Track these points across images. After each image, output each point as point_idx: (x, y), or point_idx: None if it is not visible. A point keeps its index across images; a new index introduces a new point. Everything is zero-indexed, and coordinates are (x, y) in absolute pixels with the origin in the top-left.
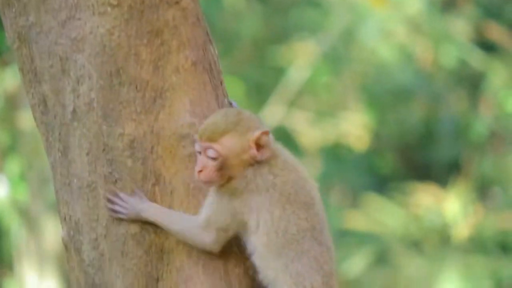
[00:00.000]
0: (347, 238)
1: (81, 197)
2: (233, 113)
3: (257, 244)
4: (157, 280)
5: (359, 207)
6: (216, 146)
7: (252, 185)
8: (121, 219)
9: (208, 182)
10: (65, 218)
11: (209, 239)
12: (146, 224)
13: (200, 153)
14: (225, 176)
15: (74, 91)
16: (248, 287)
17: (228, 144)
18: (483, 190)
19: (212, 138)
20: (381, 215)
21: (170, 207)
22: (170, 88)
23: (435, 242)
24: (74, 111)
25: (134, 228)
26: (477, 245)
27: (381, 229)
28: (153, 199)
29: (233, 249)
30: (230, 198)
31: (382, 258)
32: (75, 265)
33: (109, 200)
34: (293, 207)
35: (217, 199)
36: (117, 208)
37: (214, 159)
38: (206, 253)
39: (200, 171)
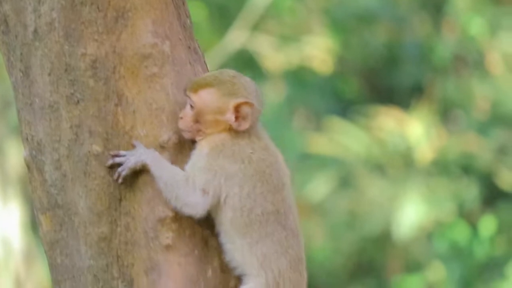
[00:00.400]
0: (311, 162)
1: (43, 118)
2: (229, 74)
3: (224, 220)
4: (120, 200)
5: (323, 130)
6: (193, 96)
7: (229, 151)
8: (83, 141)
9: (184, 131)
10: (27, 139)
11: (193, 198)
12: (109, 144)
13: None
14: (200, 131)
15: (35, 11)
16: None
17: (204, 98)
18: (445, 113)
19: (194, 89)
20: (345, 139)
21: (132, 127)
22: (132, 8)
23: (398, 165)
24: (35, 31)
25: (96, 148)
26: (440, 167)
27: (345, 152)
28: (115, 119)
29: None
30: (209, 157)
31: (345, 182)
32: (38, 185)
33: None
34: (263, 188)
35: (199, 157)
36: (116, 160)
37: (192, 109)
38: None
39: (181, 118)
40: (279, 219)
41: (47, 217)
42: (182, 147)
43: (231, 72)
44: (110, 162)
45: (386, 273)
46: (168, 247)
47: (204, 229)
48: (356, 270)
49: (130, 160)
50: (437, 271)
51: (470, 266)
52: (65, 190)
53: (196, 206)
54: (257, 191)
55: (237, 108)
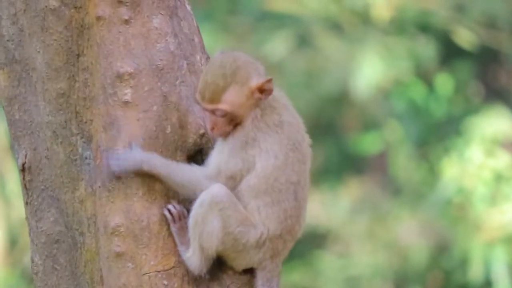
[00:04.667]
0: (268, 21)
1: None
2: (228, 62)
3: (242, 184)
4: (78, 55)
5: None
6: (221, 106)
7: (261, 124)
8: None
9: (223, 135)
10: None
11: (218, 185)
12: None
13: (206, 111)
14: (234, 125)
15: None
16: None
17: (231, 100)
18: None
19: (214, 99)
20: None
21: None
22: None
23: (356, 23)
24: None
25: (53, 3)
26: (397, 26)
27: (302, 10)
28: None
29: None
30: (243, 145)
31: (303, 41)
32: None
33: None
34: (293, 157)
35: (228, 147)
36: (111, 162)
37: (222, 116)
38: None
39: (213, 128)
40: (297, 189)
41: (5, 73)
42: (141, 1)
43: (227, 58)
44: (103, 159)
45: (344, 132)
46: (126, 103)
47: (163, 85)
48: (314, 130)
49: (128, 167)
50: (394, 130)
51: (427, 124)
52: (23, 45)
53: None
54: (289, 161)
55: (261, 88)
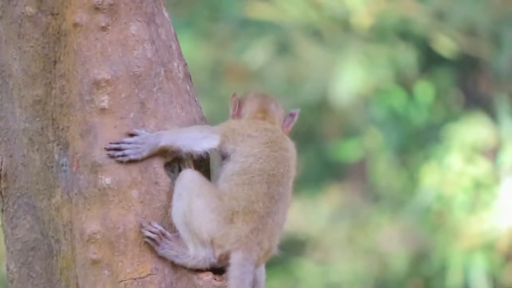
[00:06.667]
0: (249, 28)
1: None
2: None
3: (223, 169)
4: (55, 62)
5: None
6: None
7: (252, 123)
8: (16, 2)
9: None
10: None
11: (212, 137)
12: (43, 5)
13: None
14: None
15: None
16: None
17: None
18: None
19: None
20: (282, 3)
21: None
22: None
23: (336, 30)
24: None
25: (30, 10)
26: (377, 33)
27: (282, 17)
28: None
29: None
30: (235, 120)
31: (283, 47)
32: None
33: (113, 149)
34: (270, 154)
35: (227, 121)
36: (127, 151)
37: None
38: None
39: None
40: (270, 180)
41: None
42: (118, 8)
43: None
44: (115, 154)
45: (324, 140)
46: (103, 110)
47: (140, 91)
48: (294, 137)
49: (144, 151)
50: (374, 137)
51: (407, 132)
52: None
53: (212, 141)
54: (264, 153)
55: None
